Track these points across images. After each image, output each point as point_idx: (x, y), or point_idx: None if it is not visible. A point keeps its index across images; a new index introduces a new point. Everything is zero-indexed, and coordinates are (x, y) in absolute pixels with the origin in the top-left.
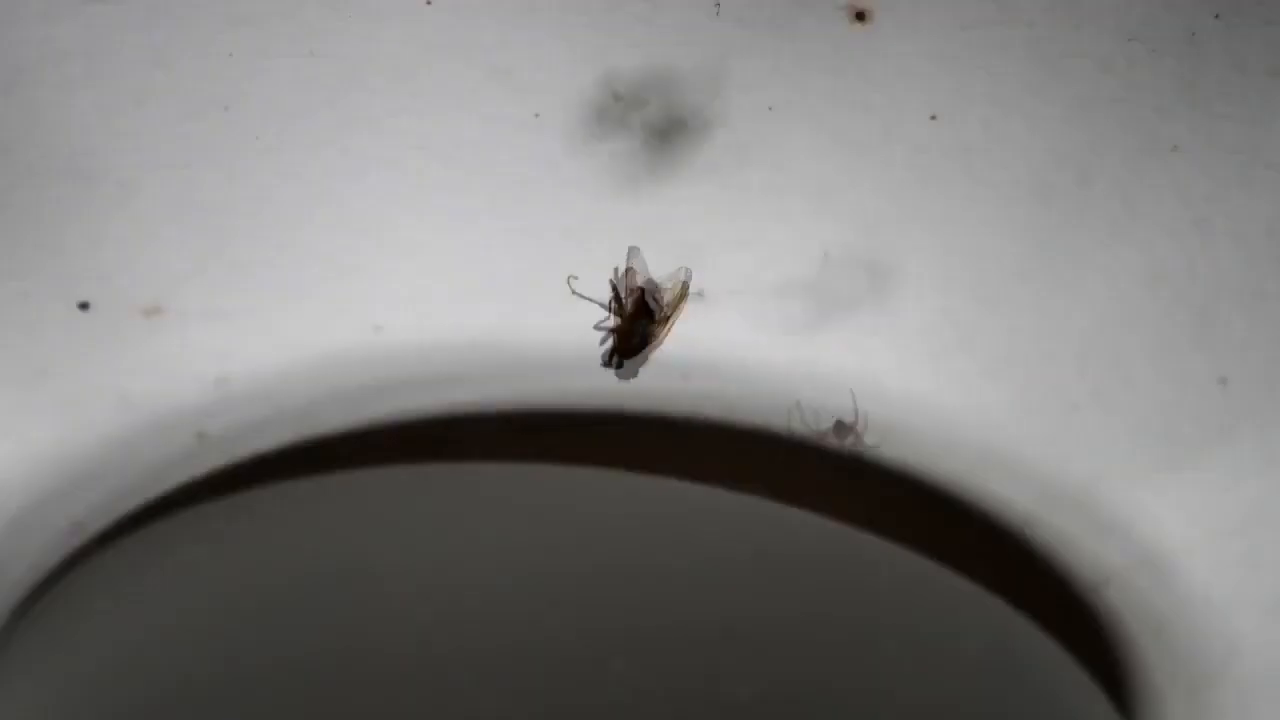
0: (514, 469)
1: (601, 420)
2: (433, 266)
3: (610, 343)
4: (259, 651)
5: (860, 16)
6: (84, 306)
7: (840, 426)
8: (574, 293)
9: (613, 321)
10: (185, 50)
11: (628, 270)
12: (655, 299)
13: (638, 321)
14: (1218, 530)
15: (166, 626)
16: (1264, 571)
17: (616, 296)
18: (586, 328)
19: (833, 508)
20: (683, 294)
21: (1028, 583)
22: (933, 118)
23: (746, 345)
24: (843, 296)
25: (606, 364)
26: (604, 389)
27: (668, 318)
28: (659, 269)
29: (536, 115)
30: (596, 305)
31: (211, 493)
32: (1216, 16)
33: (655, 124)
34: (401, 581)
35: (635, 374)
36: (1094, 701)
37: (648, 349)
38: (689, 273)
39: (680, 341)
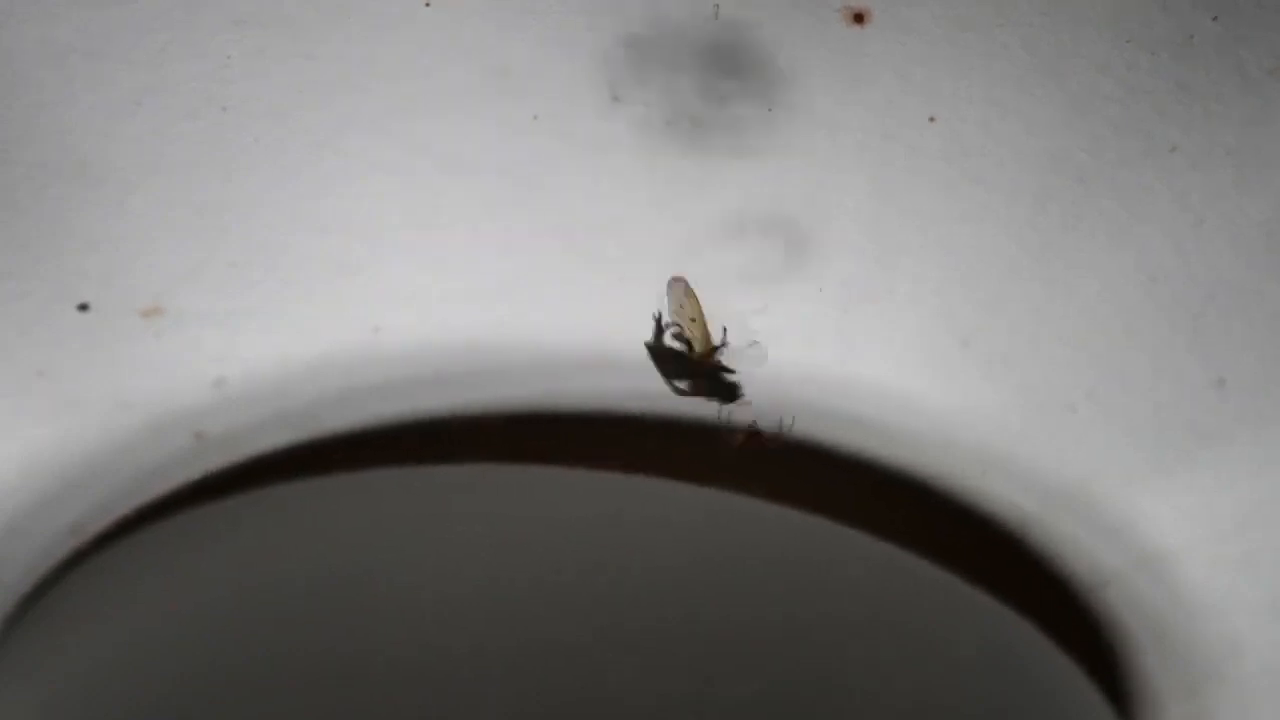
0: (514, 469)
1: (601, 420)
2: (432, 267)
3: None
4: (258, 651)
5: (858, 18)
6: (84, 307)
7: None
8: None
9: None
10: (185, 51)
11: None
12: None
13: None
14: (1216, 531)
15: (165, 627)
16: (1262, 572)
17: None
18: (586, 328)
19: (832, 508)
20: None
21: (1028, 583)
22: (931, 119)
23: (745, 346)
24: (842, 297)
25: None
26: (603, 389)
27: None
28: (662, 270)
29: (535, 117)
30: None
31: (210, 494)
32: (1214, 19)
33: (654, 126)
34: (400, 581)
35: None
36: (1093, 702)
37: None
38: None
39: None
